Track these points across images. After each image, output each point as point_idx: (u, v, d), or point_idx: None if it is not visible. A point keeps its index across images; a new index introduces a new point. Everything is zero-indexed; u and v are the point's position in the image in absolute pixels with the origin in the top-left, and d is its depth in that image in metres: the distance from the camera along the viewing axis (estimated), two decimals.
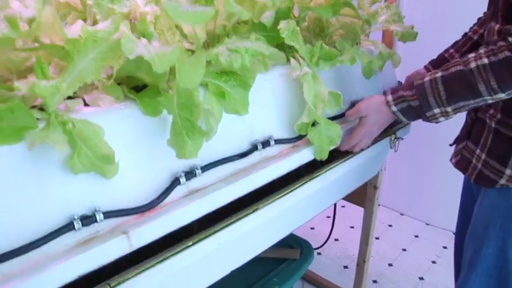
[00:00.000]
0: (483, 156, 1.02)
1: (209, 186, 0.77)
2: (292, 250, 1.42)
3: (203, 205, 0.75)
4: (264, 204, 0.88)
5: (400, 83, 1.40)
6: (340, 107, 1.01)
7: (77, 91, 0.63)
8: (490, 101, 0.89)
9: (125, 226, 0.65)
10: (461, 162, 1.12)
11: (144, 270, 0.69)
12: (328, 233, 1.90)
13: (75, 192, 0.62)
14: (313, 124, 0.95)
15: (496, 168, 0.99)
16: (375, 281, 2.00)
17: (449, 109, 0.92)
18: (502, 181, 0.98)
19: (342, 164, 1.10)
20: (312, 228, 2.29)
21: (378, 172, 1.52)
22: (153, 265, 0.70)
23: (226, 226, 0.81)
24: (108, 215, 0.63)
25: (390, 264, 2.11)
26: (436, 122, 0.95)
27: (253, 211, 0.86)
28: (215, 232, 0.79)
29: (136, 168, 0.69)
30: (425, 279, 2.01)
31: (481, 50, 0.86)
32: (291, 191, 0.94)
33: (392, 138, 1.32)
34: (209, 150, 0.78)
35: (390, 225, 2.41)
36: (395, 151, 1.35)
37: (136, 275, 0.68)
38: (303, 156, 0.96)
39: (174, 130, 0.69)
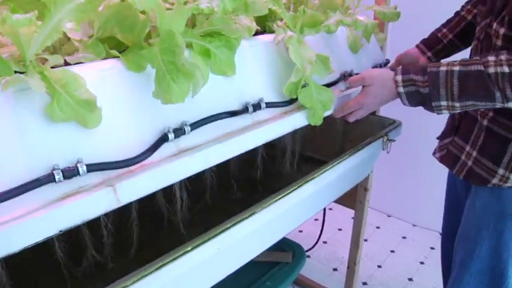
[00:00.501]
0: (474, 153, 1.02)
1: (199, 146, 0.75)
2: (285, 253, 1.41)
3: (193, 162, 0.73)
4: (260, 208, 0.87)
5: (388, 60, 1.40)
6: (330, 71, 1.00)
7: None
8: (498, 106, 0.88)
9: (110, 181, 0.63)
10: (446, 157, 1.12)
11: (142, 278, 0.67)
12: (317, 235, 1.90)
13: (56, 143, 0.60)
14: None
15: (489, 167, 0.99)
16: (364, 283, 2.00)
17: (457, 105, 0.90)
18: (495, 180, 0.99)
19: (336, 166, 1.09)
20: (301, 231, 2.28)
21: (368, 174, 1.53)
22: (152, 272, 0.68)
23: (224, 230, 0.80)
24: (91, 167, 0.60)
25: (379, 266, 2.12)
26: (438, 113, 0.94)
27: (250, 215, 0.85)
28: (214, 236, 0.78)
29: (121, 123, 0.67)
30: (414, 280, 2.02)
31: (503, 56, 0.84)
32: (287, 194, 0.93)
33: (385, 140, 1.32)
34: (199, 110, 0.77)
35: (378, 227, 2.42)
36: (387, 153, 1.35)
37: (134, 282, 0.66)
38: (296, 120, 0.94)
39: (158, 78, 0.67)
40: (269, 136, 0.88)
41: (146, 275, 0.67)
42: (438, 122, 1.26)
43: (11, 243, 0.53)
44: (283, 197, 0.92)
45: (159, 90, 0.67)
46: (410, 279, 2.03)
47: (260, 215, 0.87)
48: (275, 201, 0.90)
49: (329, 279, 2.00)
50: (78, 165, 0.59)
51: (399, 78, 0.96)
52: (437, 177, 1.62)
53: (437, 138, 1.22)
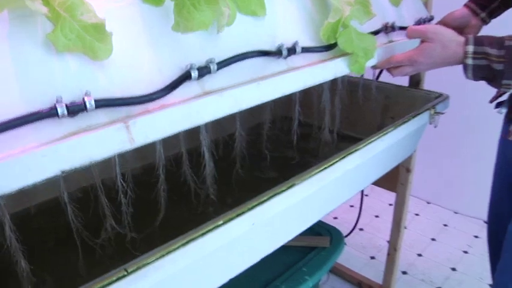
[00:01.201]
0: None
1: (227, 88, 0.66)
2: (322, 238, 1.31)
3: (221, 102, 0.64)
4: (300, 180, 0.77)
5: (432, 17, 1.27)
6: (370, 15, 0.89)
7: None
8: None
9: (123, 119, 0.55)
10: None
11: (167, 254, 0.57)
12: (353, 222, 1.78)
13: (62, 76, 0.52)
14: None
15: None
16: (404, 272, 1.88)
17: None
18: None
19: (382, 138, 0.98)
20: (335, 218, 2.17)
21: (411, 154, 1.41)
22: (178, 248, 0.59)
23: (260, 203, 0.70)
24: (101, 103, 0.52)
25: (419, 255, 1.99)
26: (504, 91, 0.82)
27: (289, 187, 0.75)
28: (248, 210, 0.68)
29: (136, 59, 0.59)
30: (457, 269, 1.89)
31: None
32: (329, 166, 0.82)
33: (432, 113, 1.20)
34: (226, 51, 0.68)
35: (417, 214, 2.29)
36: (434, 127, 1.23)
37: (157, 259, 0.57)
38: (336, 67, 0.84)
39: (178, 7, 0.59)
40: (307, 81, 0.78)
41: (171, 251, 0.58)
42: (484, 98, 1.12)
43: (6, 182, 0.45)
44: (325, 168, 0.81)
45: (179, 19, 0.58)
46: (453, 269, 1.89)
47: (300, 188, 0.76)
48: (317, 173, 0.80)
49: (366, 268, 1.89)
50: (85, 98, 0.50)
51: (471, 48, 0.84)
52: (480, 163, 1.48)
53: (490, 101, 1.09)
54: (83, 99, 0.51)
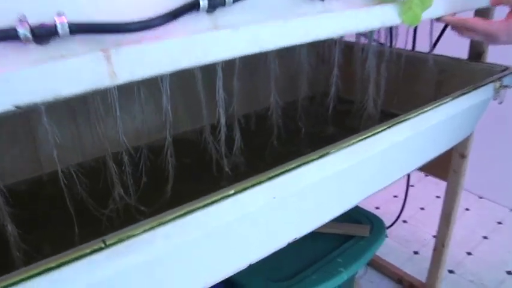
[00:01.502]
0: None
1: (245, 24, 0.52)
2: (361, 226, 1.16)
3: (235, 38, 0.50)
4: (336, 149, 0.63)
5: None
6: None
7: None
8: None
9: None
10: None
11: (157, 226, 0.45)
12: (396, 214, 1.62)
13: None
14: None
15: None
16: (451, 271, 1.70)
17: None
18: None
19: (436, 109, 0.82)
20: (377, 208, 2.00)
21: (469, 136, 1.24)
22: (172, 219, 0.46)
23: (284, 173, 0.56)
24: (77, 28, 0.40)
25: (469, 253, 1.80)
26: None
27: (321, 156, 0.61)
28: (268, 180, 0.54)
29: None
30: None
31: None
32: (374, 134, 0.68)
33: (497, 86, 1.02)
34: None
35: (467, 209, 2.08)
36: (499, 103, 1.05)
37: (145, 231, 0.44)
38: (384, 14, 0.69)
39: None
40: (348, 27, 0.63)
41: (164, 223, 0.45)
42: None
43: None
44: (368, 137, 0.67)
45: None
46: (509, 273, 1.69)
47: (335, 158, 0.62)
48: (357, 141, 0.65)
49: (409, 263, 1.72)
50: (56, 19, 0.38)
51: None
52: None
53: None
54: (54, 21, 0.40)
